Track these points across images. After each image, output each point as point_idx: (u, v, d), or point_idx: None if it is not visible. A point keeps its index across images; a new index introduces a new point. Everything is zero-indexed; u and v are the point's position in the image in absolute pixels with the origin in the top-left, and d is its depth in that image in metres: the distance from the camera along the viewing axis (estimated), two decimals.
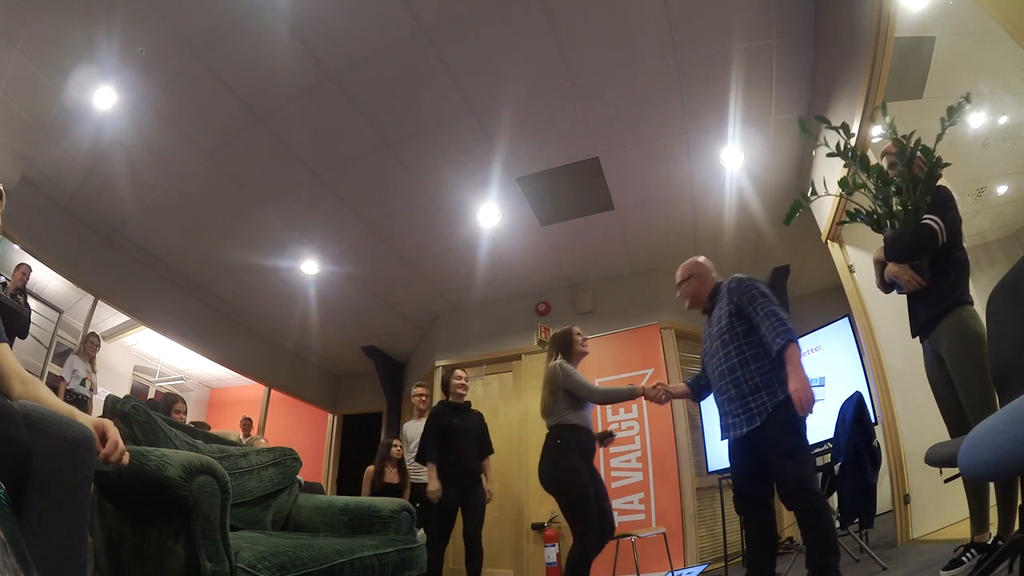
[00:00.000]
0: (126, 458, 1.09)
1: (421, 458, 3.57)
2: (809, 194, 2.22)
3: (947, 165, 1.92)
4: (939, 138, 1.92)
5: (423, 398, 4.45)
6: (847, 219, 2.29)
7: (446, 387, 3.66)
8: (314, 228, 4.50)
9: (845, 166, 2.20)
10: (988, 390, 1.65)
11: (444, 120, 3.49)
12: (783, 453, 1.91)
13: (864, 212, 2.15)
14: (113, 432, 1.06)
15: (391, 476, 4.34)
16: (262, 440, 4.69)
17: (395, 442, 4.52)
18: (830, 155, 2.14)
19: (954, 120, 1.90)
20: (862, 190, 2.12)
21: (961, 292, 1.88)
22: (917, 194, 1.93)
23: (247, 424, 6.29)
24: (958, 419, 1.85)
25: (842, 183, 2.19)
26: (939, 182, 1.95)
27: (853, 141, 2.18)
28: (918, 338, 2.04)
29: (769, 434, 1.95)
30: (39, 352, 4.74)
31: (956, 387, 1.83)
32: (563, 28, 2.94)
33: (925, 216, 1.89)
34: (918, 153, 1.93)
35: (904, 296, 2.05)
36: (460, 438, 3.39)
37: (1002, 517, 1.78)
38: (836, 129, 2.09)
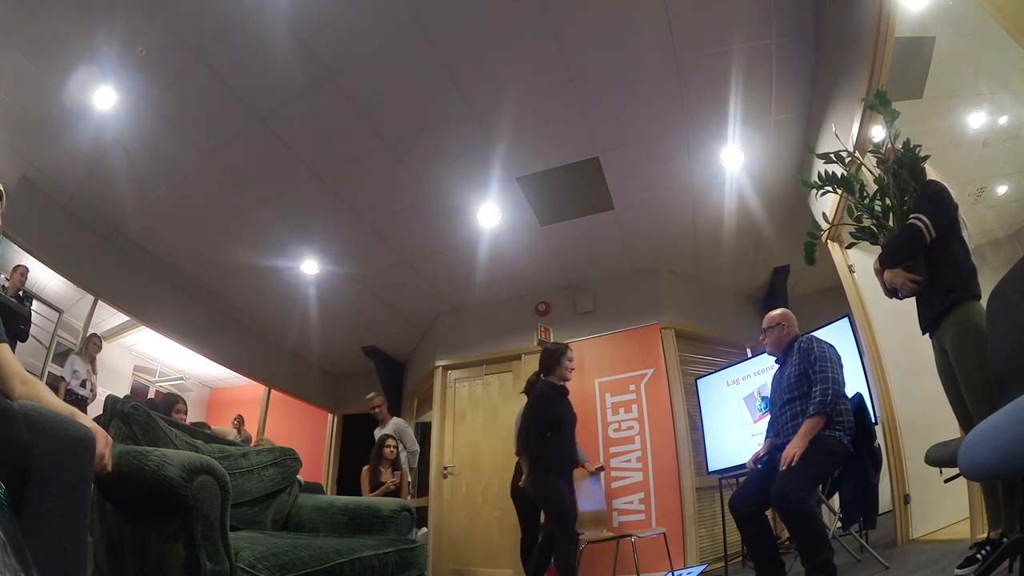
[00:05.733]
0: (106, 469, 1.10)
1: None
2: (816, 231, 2.30)
3: (926, 158, 1.92)
4: (890, 143, 1.97)
5: (379, 408, 5.15)
6: (854, 241, 2.28)
7: None
8: (314, 228, 4.50)
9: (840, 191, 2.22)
10: (993, 388, 1.64)
11: (444, 120, 3.49)
12: (794, 464, 2.18)
13: (860, 230, 2.15)
14: (101, 443, 1.05)
15: (386, 476, 4.34)
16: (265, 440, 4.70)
17: (389, 441, 4.52)
18: (823, 193, 2.19)
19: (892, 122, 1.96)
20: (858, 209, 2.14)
21: (965, 286, 1.82)
22: (904, 195, 1.93)
23: (239, 422, 6.27)
24: (967, 417, 1.82)
25: (849, 210, 2.23)
26: (933, 177, 1.93)
27: (852, 163, 2.21)
28: (927, 335, 2.00)
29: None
30: (39, 352, 4.74)
31: (960, 385, 1.78)
32: (563, 28, 2.94)
33: (911, 216, 1.87)
34: (900, 151, 1.95)
35: (913, 298, 2.04)
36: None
37: (1006, 515, 1.77)
38: (830, 155, 2.15)
